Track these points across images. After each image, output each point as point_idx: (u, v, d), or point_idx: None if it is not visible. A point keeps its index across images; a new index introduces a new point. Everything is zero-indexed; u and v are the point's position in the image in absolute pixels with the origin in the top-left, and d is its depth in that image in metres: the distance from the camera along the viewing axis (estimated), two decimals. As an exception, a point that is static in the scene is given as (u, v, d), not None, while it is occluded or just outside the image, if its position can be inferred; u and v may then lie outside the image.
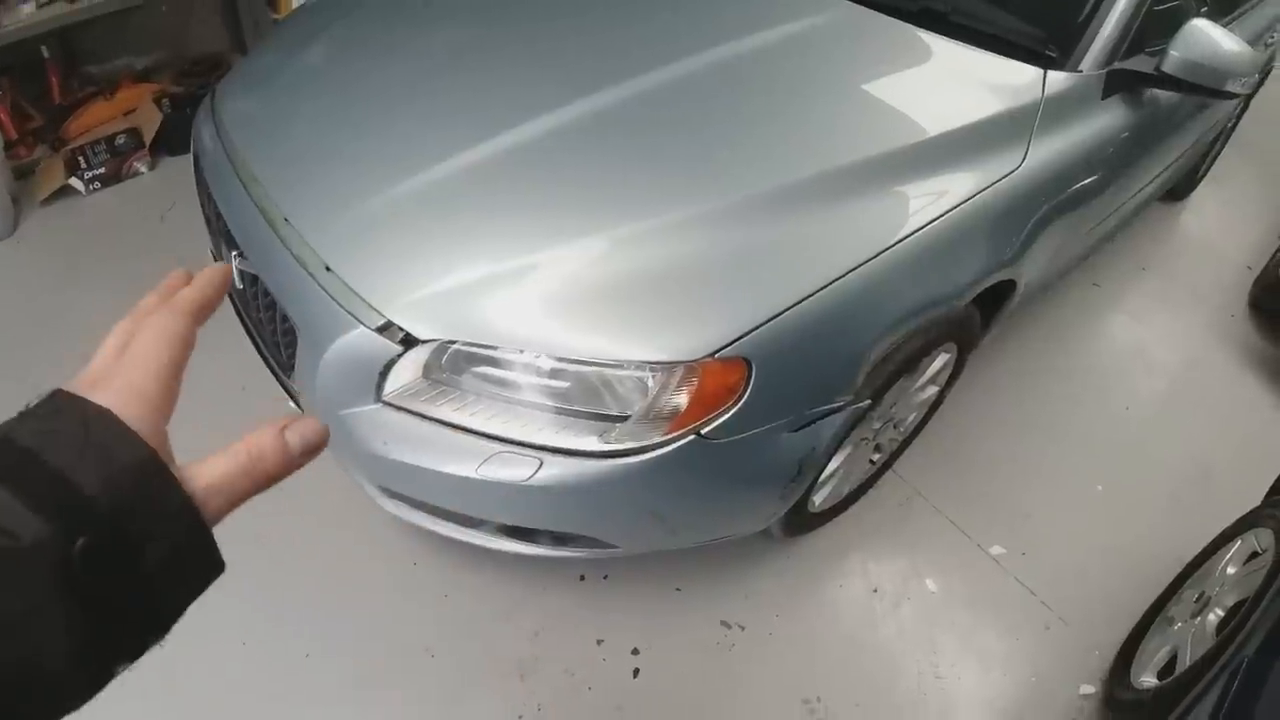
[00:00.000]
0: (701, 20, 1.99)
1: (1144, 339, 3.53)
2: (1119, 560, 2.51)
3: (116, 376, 0.45)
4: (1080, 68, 1.96)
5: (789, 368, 1.50)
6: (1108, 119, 2.10)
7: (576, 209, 1.56)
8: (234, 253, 1.73)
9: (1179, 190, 4.39)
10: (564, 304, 1.45)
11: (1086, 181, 2.09)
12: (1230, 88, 2.11)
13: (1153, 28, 2.13)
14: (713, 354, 1.39)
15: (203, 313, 0.53)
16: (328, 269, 1.52)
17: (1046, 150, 1.87)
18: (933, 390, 2.21)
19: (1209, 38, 2.05)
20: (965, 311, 1.88)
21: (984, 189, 1.73)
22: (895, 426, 2.20)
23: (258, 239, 1.66)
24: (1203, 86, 2.10)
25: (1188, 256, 4.23)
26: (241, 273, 1.76)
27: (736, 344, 1.41)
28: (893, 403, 1.99)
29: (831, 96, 1.83)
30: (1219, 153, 4.63)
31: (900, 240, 1.59)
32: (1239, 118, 4.53)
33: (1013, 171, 1.78)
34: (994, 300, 2.08)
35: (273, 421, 0.47)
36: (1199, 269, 4.15)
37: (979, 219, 1.72)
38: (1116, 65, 2.04)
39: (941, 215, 1.65)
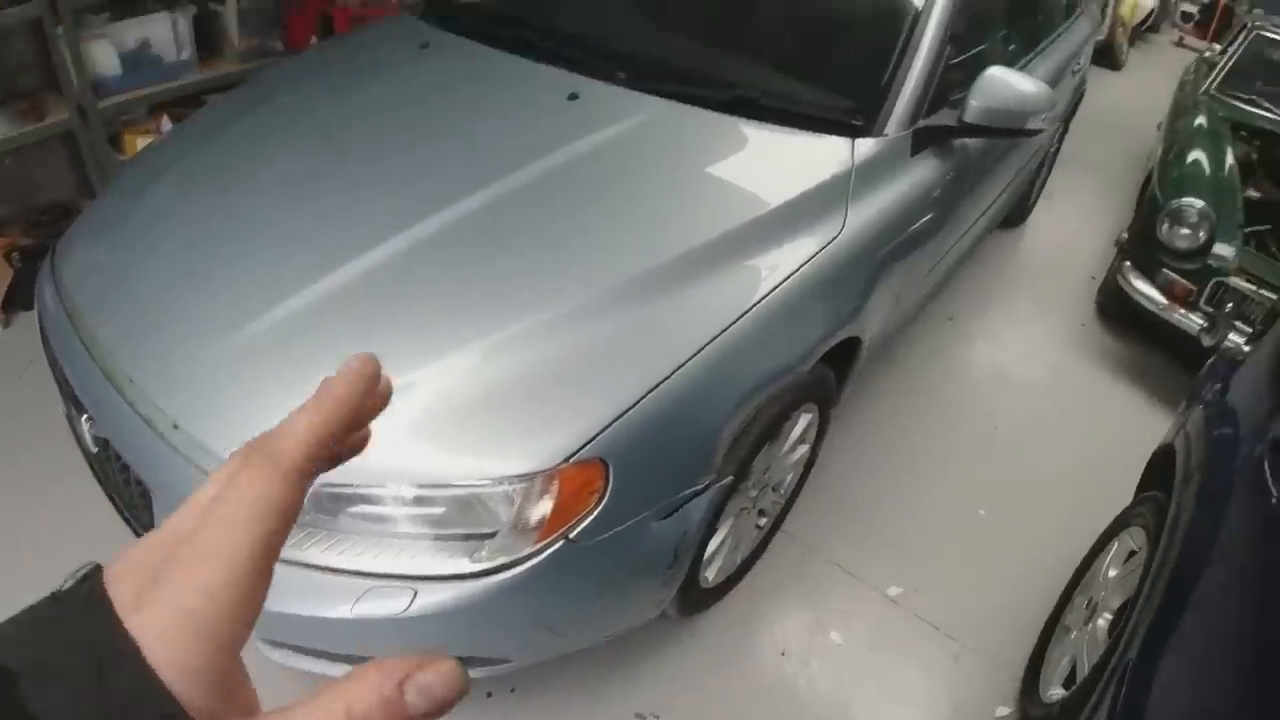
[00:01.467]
0: (535, 129, 2.05)
1: (1002, 360, 3.72)
2: (1013, 578, 2.61)
3: (179, 571, 0.31)
4: (885, 132, 2.10)
5: (647, 458, 1.54)
6: (921, 172, 2.24)
7: (430, 327, 1.58)
8: (84, 416, 1.69)
9: (1015, 217, 4.68)
10: (424, 425, 1.46)
11: (911, 232, 2.23)
12: (1032, 125, 2.29)
13: (954, 81, 2.31)
14: (568, 459, 1.42)
15: (319, 463, 0.36)
16: (176, 426, 1.50)
17: (864, 213, 1.99)
18: (804, 449, 2.28)
19: (1005, 83, 2.22)
20: (816, 373, 1.97)
21: (811, 258, 1.82)
22: (774, 490, 2.26)
23: (104, 401, 1.62)
24: (1005, 129, 2.27)
25: (1033, 277, 4.49)
26: (94, 436, 1.72)
27: (590, 445, 1.44)
28: (765, 469, 2.05)
29: (663, 189, 1.91)
30: (1048, 176, 4.95)
31: (739, 318, 1.66)
32: (1060, 140, 4.87)
33: (835, 238, 1.89)
34: (845, 356, 2.18)
35: (384, 665, 0.30)
36: (1046, 286, 4.41)
37: (811, 286, 1.82)
38: (921, 124, 2.19)
39: (775, 288, 1.73)
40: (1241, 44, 5.03)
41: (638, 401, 1.49)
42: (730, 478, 1.73)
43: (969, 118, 2.21)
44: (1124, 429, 3.39)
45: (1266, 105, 4.66)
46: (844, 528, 2.66)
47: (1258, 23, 5.18)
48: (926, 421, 3.21)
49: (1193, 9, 12.71)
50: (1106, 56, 8.80)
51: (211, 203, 1.92)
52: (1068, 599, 2.37)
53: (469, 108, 2.16)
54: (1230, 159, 3.97)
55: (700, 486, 1.67)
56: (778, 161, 2.02)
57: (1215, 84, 4.84)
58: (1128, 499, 2.41)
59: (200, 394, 1.54)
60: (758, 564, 2.44)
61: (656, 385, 1.52)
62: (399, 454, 1.43)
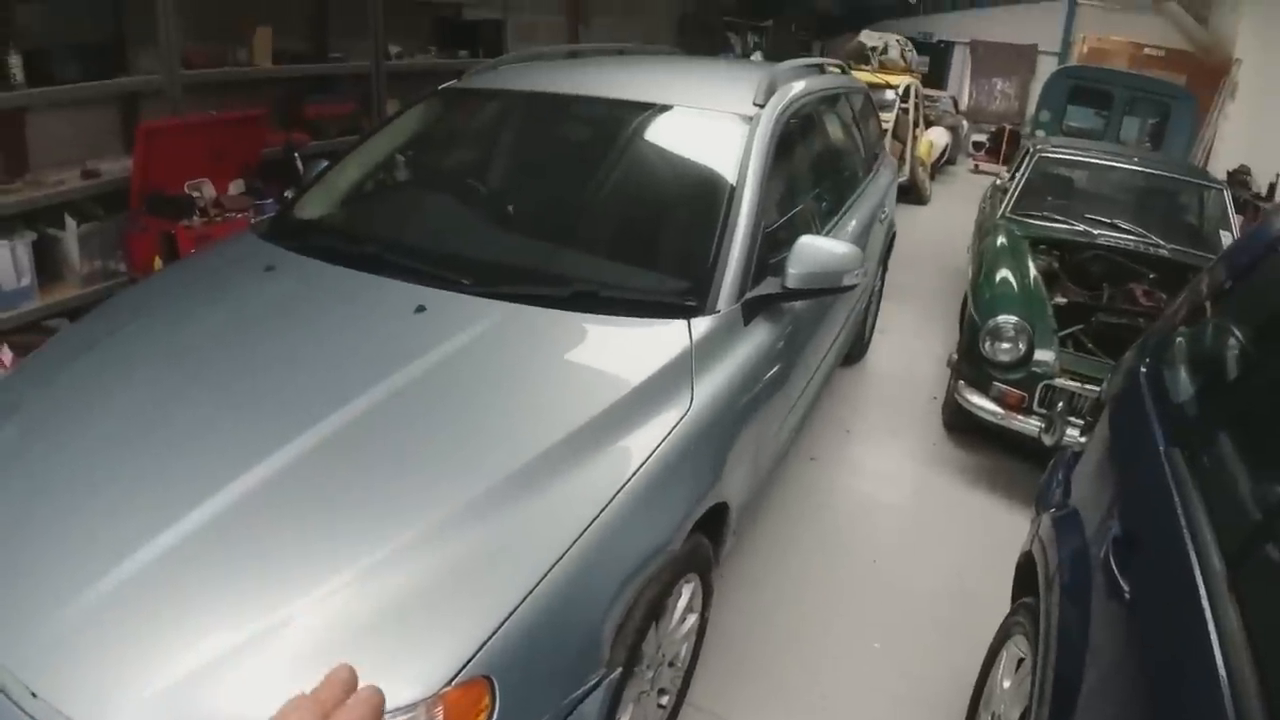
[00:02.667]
0: (385, 345, 2.09)
1: (868, 490, 3.88)
2: (918, 706, 2.65)
3: None
4: (717, 309, 2.25)
5: (533, 666, 1.53)
6: (758, 338, 2.40)
7: (295, 561, 1.55)
8: None
9: (854, 354, 4.98)
10: (302, 664, 1.41)
11: (756, 394, 2.37)
12: (847, 282, 2.49)
13: (779, 245, 2.50)
14: (450, 681, 1.41)
15: None
16: (34, 695, 1.41)
17: (708, 386, 2.11)
18: (693, 618, 2.30)
19: (817, 249, 2.43)
20: (690, 544, 2.02)
21: (665, 438, 1.91)
22: (671, 665, 2.26)
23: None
24: (824, 289, 2.46)
25: (881, 406, 4.74)
26: None
27: (472, 663, 1.43)
28: (657, 648, 2.06)
29: (514, 393, 1.98)
30: (876, 312, 5.31)
31: (603, 509, 1.70)
32: (883, 279, 5.26)
33: (685, 414, 1.99)
34: (716, 520, 2.25)
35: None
36: (894, 413, 4.66)
37: (669, 465, 1.89)
38: (749, 295, 2.36)
39: (634, 473, 1.80)
40: (1027, 167, 5.63)
41: (514, 610, 1.50)
42: (620, 668, 1.74)
43: (790, 284, 2.40)
44: (993, 538, 3.55)
45: (1058, 217, 5.20)
46: (748, 688, 2.66)
47: (1038, 145, 5.86)
48: (809, 564, 3.29)
49: (982, 138, 14.21)
50: (913, 194, 9.66)
51: (55, 445, 1.85)
52: (973, 717, 2.41)
53: (317, 329, 2.20)
54: (1033, 272, 4.38)
55: (591, 683, 1.66)
56: (621, 350, 2.12)
57: (1009, 206, 5.37)
58: (1006, 607, 2.51)
59: (56, 659, 1.45)
60: (668, 743, 2.40)
61: (531, 590, 1.53)
62: (270, 696, 1.38)
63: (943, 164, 12.14)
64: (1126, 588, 1.43)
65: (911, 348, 5.54)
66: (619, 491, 1.75)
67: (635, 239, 2.59)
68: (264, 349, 2.13)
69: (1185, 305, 2.28)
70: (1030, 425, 3.77)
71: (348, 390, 1.90)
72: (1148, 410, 1.81)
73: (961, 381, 4.07)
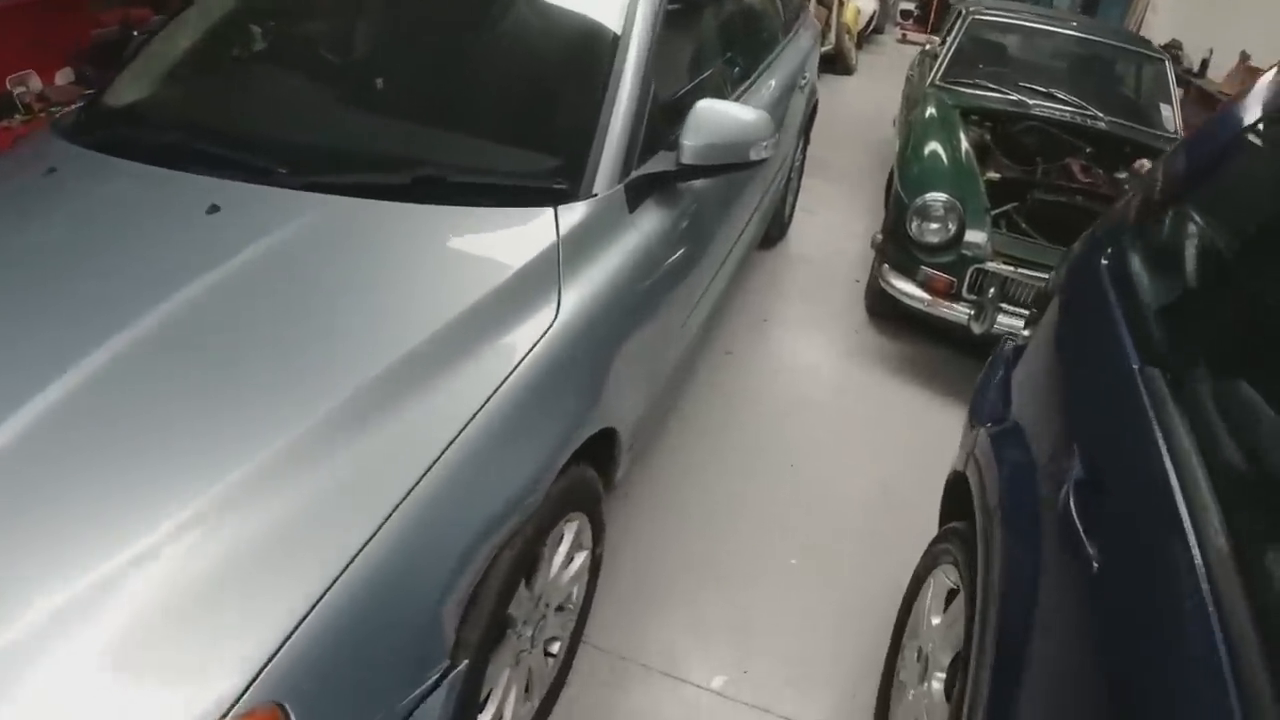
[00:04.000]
0: (152, 269, 1.60)
1: (786, 387, 3.57)
2: (840, 633, 2.41)
3: None
4: (594, 192, 1.84)
5: (341, 681, 1.16)
6: (649, 225, 2.01)
7: (45, 550, 1.14)
8: None
9: (773, 235, 4.60)
10: (56, 695, 1.04)
11: (647, 291, 1.99)
12: (755, 156, 2.10)
13: (673, 122, 2.09)
14: (228, 714, 1.04)
15: None
16: None
17: (583, 290, 1.71)
18: (582, 556, 1.98)
19: (719, 115, 2.03)
20: (567, 481, 1.67)
21: (522, 359, 1.52)
22: (560, 610, 1.94)
23: None
24: (728, 165, 2.07)
25: (801, 291, 4.41)
26: None
27: (256, 686, 1.06)
28: (536, 601, 1.73)
29: (318, 317, 1.53)
30: (798, 188, 4.93)
31: (433, 464, 1.31)
32: (804, 153, 4.86)
33: (550, 326, 1.60)
34: (604, 446, 1.90)
35: None
36: (815, 299, 4.34)
37: (529, 392, 1.51)
38: (635, 175, 1.96)
39: (480, 409, 1.41)
40: (959, 31, 5.21)
41: (312, 608, 1.12)
42: (468, 660, 1.39)
43: (686, 159, 2.00)
44: (920, 438, 3.30)
45: (991, 86, 4.82)
46: (652, 620, 2.37)
47: (971, 7, 5.39)
48: (720, 471, 2.99)
49: (911, 6, 13.64)
50: (838, 64, 9.16)
51: None
52: (897, 649, 2.17)
53: (93, 243, 1.71)
54: (965, 145, 4.03)
55: (430, 683, 1.32)
56: (467, 252, 1.71)
57: (940, 74, 4.97)
58: (935, 525, 2.25)
59: None
60: (561, 697, 2.11)
61: (336, 577, 1.15)
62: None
63: (869, 33, 11.58)
64: (1092, 550, 1.11)
65: (835, 227, 5.19)
66: (457, 436, 1.35)
67: (493, 110, 2.12)
68: (21, 271, 1.64)
69: (1139, 197, 1.95)
70: (959, 313, 3.48)
71: (108, 323, 1.43)
72: (1115, 318, 1.48)
73: (886, 265, 3.75)
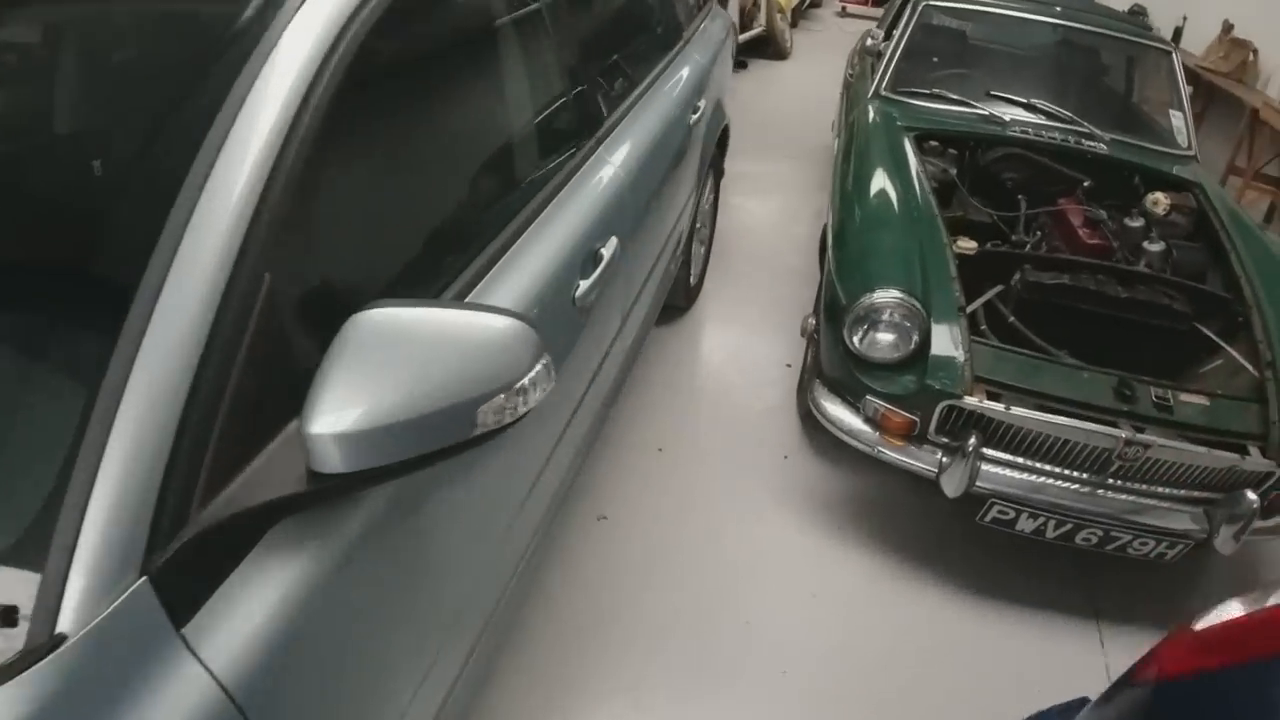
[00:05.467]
0: None
1: (684, 565, 2.39)
2: None
3: None
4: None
5: None
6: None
7: None
8: None
9: (676, 305, 3.43)
10: None
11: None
12: (489, 423, 0.99)
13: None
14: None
15: None
16: None
17: None
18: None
19: (393, 343, 0.95)
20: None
21: None
22: None
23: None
24: (422, 458, 0.92)
25: (711, 393, 3.21)
26: None
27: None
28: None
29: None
30: (710, 240, 3.77)
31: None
32: (715, 190, 3.69)
33: None
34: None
35: None
36: (731, 403, 3.11)
37: None
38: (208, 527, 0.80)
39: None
40: (909, 19, 3.95)
41: None
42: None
43: (321, 464, 0.87)
44: (882, 648, 2.20)
45: (954, 98, 3.64)
46: None
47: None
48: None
49: (852, -26, 12.41)
50: (771, 48, 7.96)
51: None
52: None
53: None
54: (922, 190, 2.88)
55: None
56: None
57: (886, 80, 3.78)
58: None
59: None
60: None
61: None
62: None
63: (805, 7, 10.35)
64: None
65: (762, 282, 4.03)
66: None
67: None
68: None
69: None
70: (923, 466, 2.37)
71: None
72: None
73: (819, 382, 2.62)
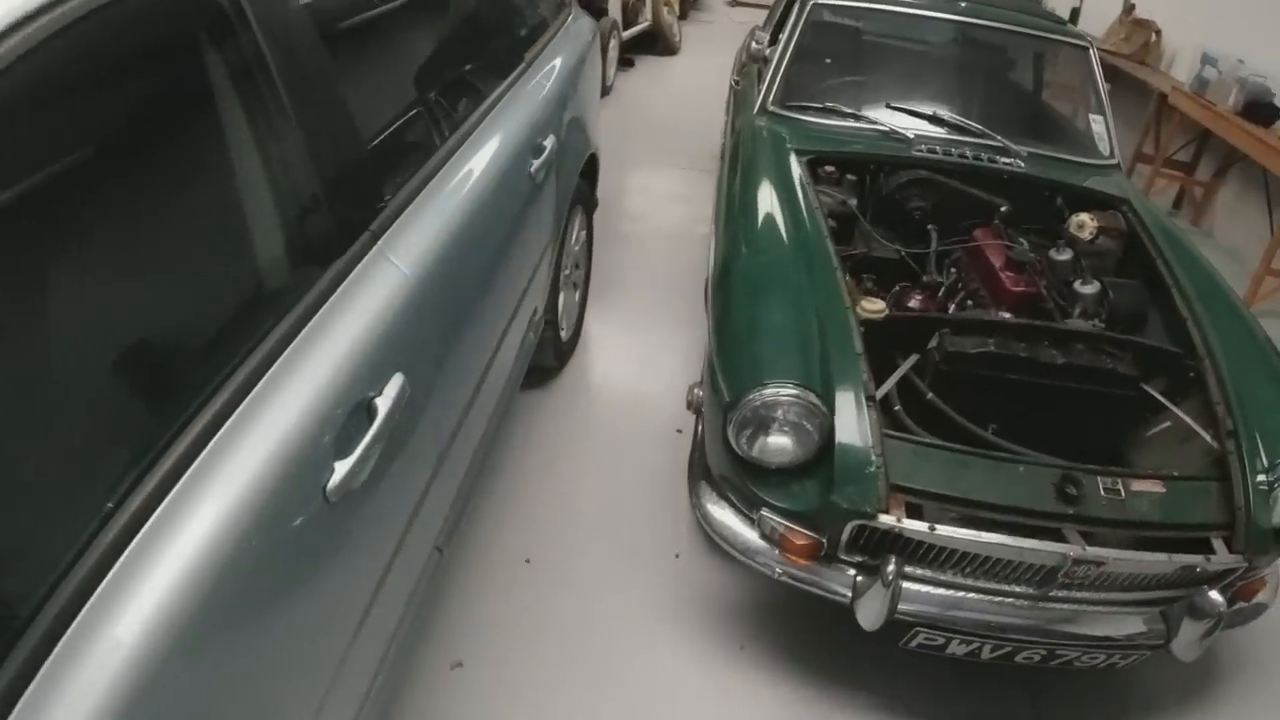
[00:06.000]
0: None
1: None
2: None
3: None
4: None
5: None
6: None
7: None
8: None
9: (546, 359, 2.95)
10: None
11: None
12: None
13: None
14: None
15: None
16: None
17: None
18: None
19: None
20: None
21: None
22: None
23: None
24: None
25: (591, 476, 2.71)
26: None
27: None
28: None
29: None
30: (585, 283, 3.28)
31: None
32: (587, 230, 3.21)
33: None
34: None
35: None
36: (613, 482, 2.61)
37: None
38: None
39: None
40: (797, 24, 3.46)
41: None
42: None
43: None
44: None
45: (849, 111, 3.19)
46: None
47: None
48: None
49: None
50: (659, 44, 7.48)
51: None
52: None
53: None
54: (815, 229, 2.44)
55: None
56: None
57: (773, 94, 3.30)
58: None
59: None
60: None
61: None
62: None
63: (697, -3, 9.91)
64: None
65: (653, 319, 3.55)
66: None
67: None
68: None
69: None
70: (835, 590, 1.93)
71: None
72: None
73: (705, 484, 2.16)
